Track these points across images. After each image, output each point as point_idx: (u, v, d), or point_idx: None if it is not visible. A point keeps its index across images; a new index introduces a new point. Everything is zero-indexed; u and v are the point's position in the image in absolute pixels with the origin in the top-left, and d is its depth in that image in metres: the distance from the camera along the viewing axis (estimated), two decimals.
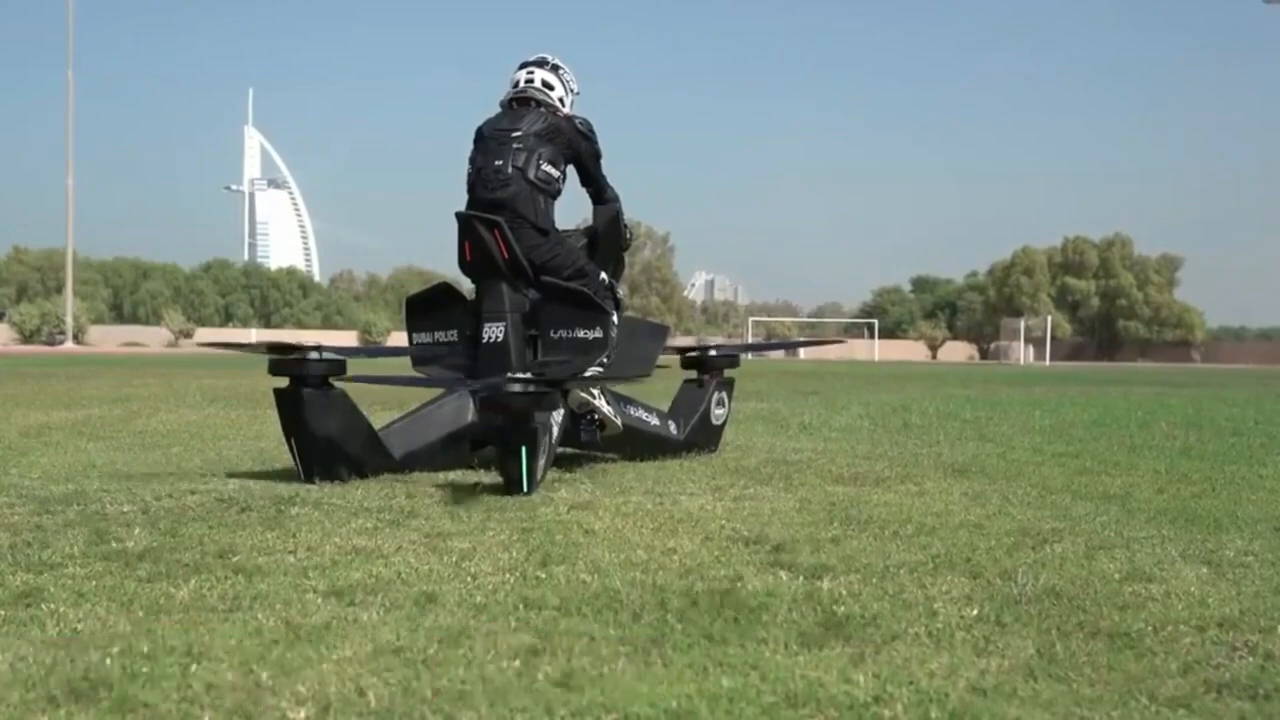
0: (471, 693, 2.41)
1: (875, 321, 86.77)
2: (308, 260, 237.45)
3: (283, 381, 5.89)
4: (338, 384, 5.94)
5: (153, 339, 76.44)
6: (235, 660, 2.60)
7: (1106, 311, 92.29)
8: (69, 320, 65.24)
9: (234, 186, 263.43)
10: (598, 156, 6.60)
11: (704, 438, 7.56)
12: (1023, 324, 74.36)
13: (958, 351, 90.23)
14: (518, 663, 2.61)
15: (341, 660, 2.61)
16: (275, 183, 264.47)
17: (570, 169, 6.48)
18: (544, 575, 3.54)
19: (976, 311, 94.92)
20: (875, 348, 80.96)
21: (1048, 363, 66.71)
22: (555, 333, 6.16)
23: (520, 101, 6.47)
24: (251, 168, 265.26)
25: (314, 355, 5.83)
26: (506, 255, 6.06)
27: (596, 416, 6.48)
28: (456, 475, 5.98)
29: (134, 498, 5.06)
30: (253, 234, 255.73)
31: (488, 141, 6.33)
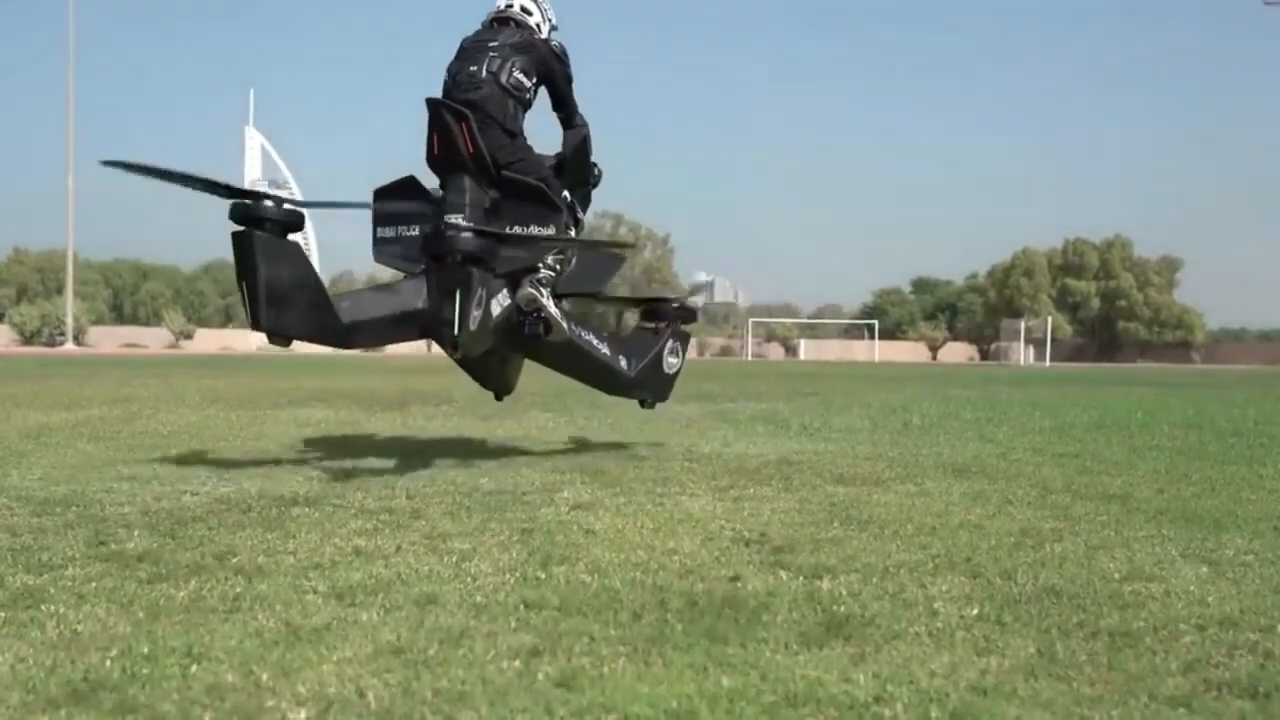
0: (471, 693, 2.41)
1: (875, 323, 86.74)
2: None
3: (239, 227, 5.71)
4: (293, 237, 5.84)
5: (153, 340, 76.42)
6: (235, 661, 2.59)
7: (1107, 313, 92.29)
8: (69, 321, 65.21)
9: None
10: (569, 79, 6.84)
11: (656, 382, 7.62)
12: (1023, 325, 74.36)
13: (958, 353, 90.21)
14: (518, 663, 2.61)
15: (342, 661, 2.61)
16: (275, 183, 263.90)
17: (544, 93, 6.74)
18: (544, 576, 3.54)
19: (977, 313, 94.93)
20: (875, 349, 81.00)
21: (1048, 364, 66.72)
22: (511, 227, 6.33)
23: (500, 21, 6.80)
24: (251, 168, 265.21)
25: (269, 202, 5.76)
26: (472, 149, 6.20)
27: (542, 314, 6.47)
28: (458, 476, 5.98)
29: (134, 499, 5.06)
30: None
31: (466, 50, 6.61)
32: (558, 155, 6.91)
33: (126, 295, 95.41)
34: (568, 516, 4.70)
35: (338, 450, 7.32)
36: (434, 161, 6.39)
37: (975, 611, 3.14)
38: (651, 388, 7.63)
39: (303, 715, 2.28)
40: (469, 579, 3.48)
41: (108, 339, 74.47)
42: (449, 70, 6.59)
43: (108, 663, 2.57)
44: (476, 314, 6.00)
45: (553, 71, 6.72)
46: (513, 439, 8.34)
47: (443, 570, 3.60)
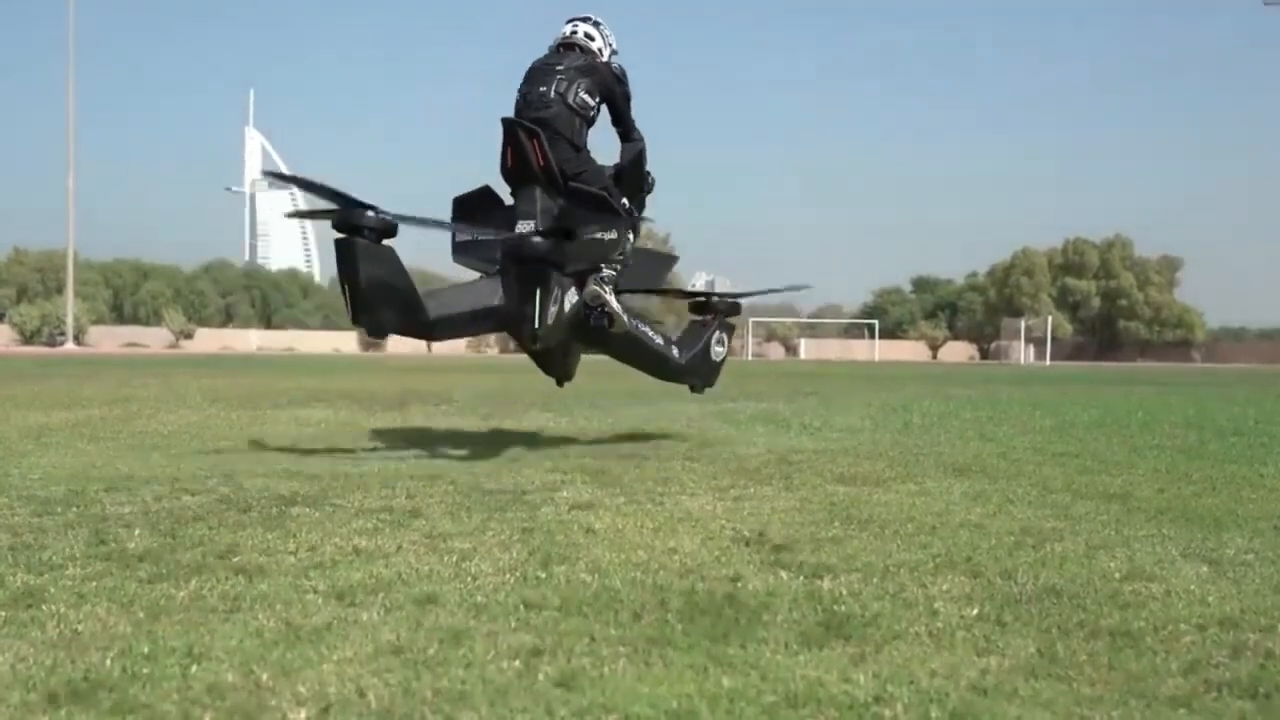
0: (472, 693, 2.41)
1: (875, 322, 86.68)
2: (308, 261, 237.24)
3: (341, 235, 6.47)
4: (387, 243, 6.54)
5: (153, 340, 76.42)
6: (236, 661, 2.60)
7: (1107, 312, 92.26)
8: (69, 321, 65.21)
9: (234, 187, 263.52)
10: (628, 99, 7.55)
11: (705, 369, 8.46)
12: (1023, 324, 74.37)
13: (958, 352, 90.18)
14: (518, 663, 2.61)
15: (342, 661, 2.61)
16: (276, 183, 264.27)
17: (604, 110, 7.45)
18: (544, 575, 3.54)
19: (977, 312, 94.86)
20: (875, 348, 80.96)
21: (1048, 363, 66.73)
22: (579, 233, 6.98)
23: (566, 47, 7.51)
24: (252, 168, 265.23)
25: (370, 212, 6.44)
26: (542, 162, 6.95)
27: (605, 309, 7.27)
28: (458, 476, 5.98)
29: (134, 499, 5.06)
30: (253, 235, 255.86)
31: (536, 72, 7.33)
32: (616, 166, 7.57)
33: (126, 295, 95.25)
34: (568, 516, 4.70)
35: (338, 450, 7.32)
36: (508, 173, 7.15)
37: (975, 611, 3.14)
38: (700, 374, 8.46)
39: (303, 715, 2.28)
40: (469, 579, 3.48)
41: (108, 339, 74.48)
42: (520, 91, 7.30)
43: (108, 662, 2.57)
44: (553, 310, 6.80)
45: (613, 92, 7.43)
46: (513, 439, 8.34)
47: (443, 570, 3.60)
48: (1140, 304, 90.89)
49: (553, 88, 7.16)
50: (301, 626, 2.89)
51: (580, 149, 7.20)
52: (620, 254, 7.34)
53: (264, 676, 2.49)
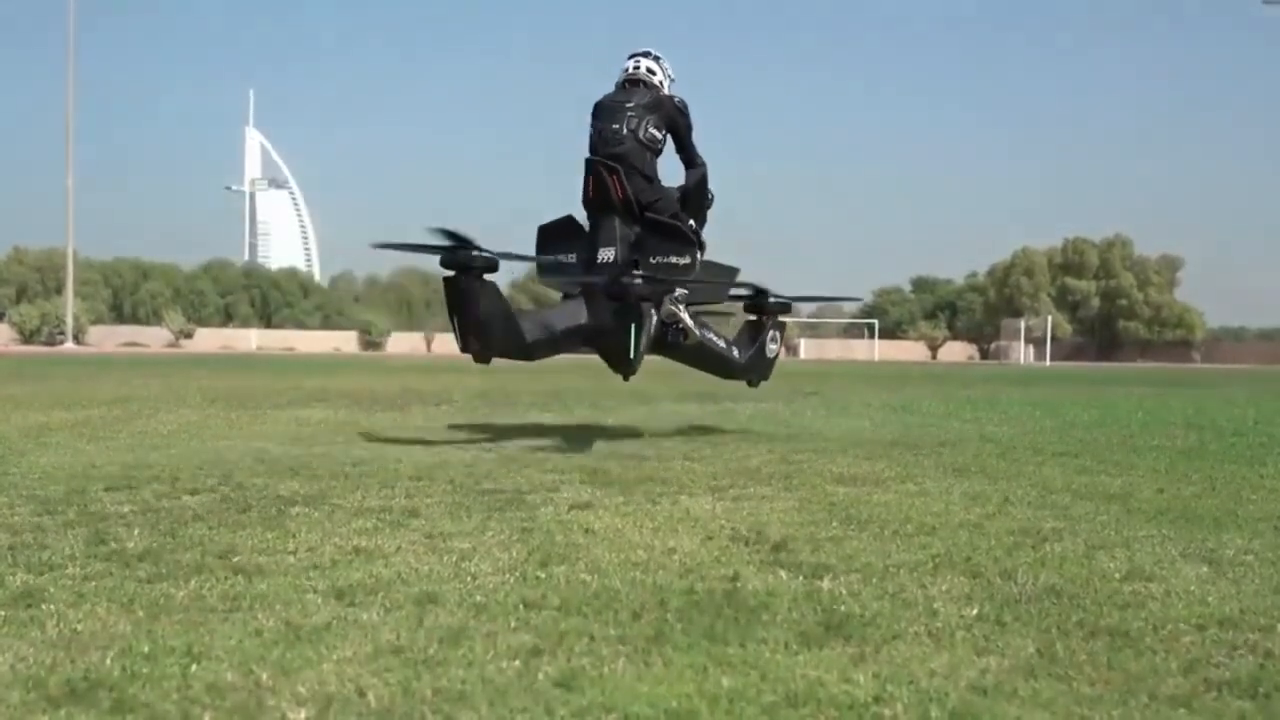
0: (471, 693, 2.41)
1: (875, 322, 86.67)
2: (308, 260, 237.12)
3: (450, 272, 7.23)
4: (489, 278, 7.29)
5: (153, 339, 76.45)
6: (235, 661, 2.60)
7: (1107, 312, 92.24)
8: (69, 320, 65.24)
9: (234, 186, 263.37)
10: (689, 129, 8.24)
11: (761, 365, 9.38)
12: (1023, 324, 74.34)
13: (958, 352, 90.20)
14: (518, 663, 2.61)
15: (341, 660, 2.61)
16: (276, 183, 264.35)
17: (669, 137, 8.12)
18: (544, 575, 3.54)
19: (976, 312, 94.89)
20: (875, 348, 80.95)
21: (1048, 363, 66.70)
22: (654, 258, 7.70)
23: (631, 83, 8.22)
24: (252, 168, 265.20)
25: (475, 252, 7.17)
26: (621, 195, 7.76)
27: (680, 325, 8.16)
28: (457, 476, 5.98)
29: (134, 498, 5.06)
30: (253, 234, 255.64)
31: (607, 110, 8.04)
32: (680, 189, 8.29)
33: (126, 294, 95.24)
34: (567, 516, 4.70)
35: (338, 450, 7.32)
36: (589, 204, 7.97)
37: (975, 611, 3.14)
38: (757, 370, 9.40)
39: (303, 715, 2.28)
40: (469, 579, 3.48)
41: (108, 338, 74.53)
42: (594, 127, 8.03)
43: (108, 662, 2.57)
44: (645, 340, 7.54)
45: (677, 124, 8.14)
46: (512, 439, 8.34)
47: (443, 570, 3.60)
48: (1140, 304, 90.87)
49: (624, 125, 7.88)
50: (301, 626, 2.89)
51: (652, 180, 7.96)
52: (692, 274, 7.99)
53: (264, 676, 2.49)
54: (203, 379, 19.32)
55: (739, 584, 3.45)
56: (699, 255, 8.05)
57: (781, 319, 9.53)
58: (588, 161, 7.91)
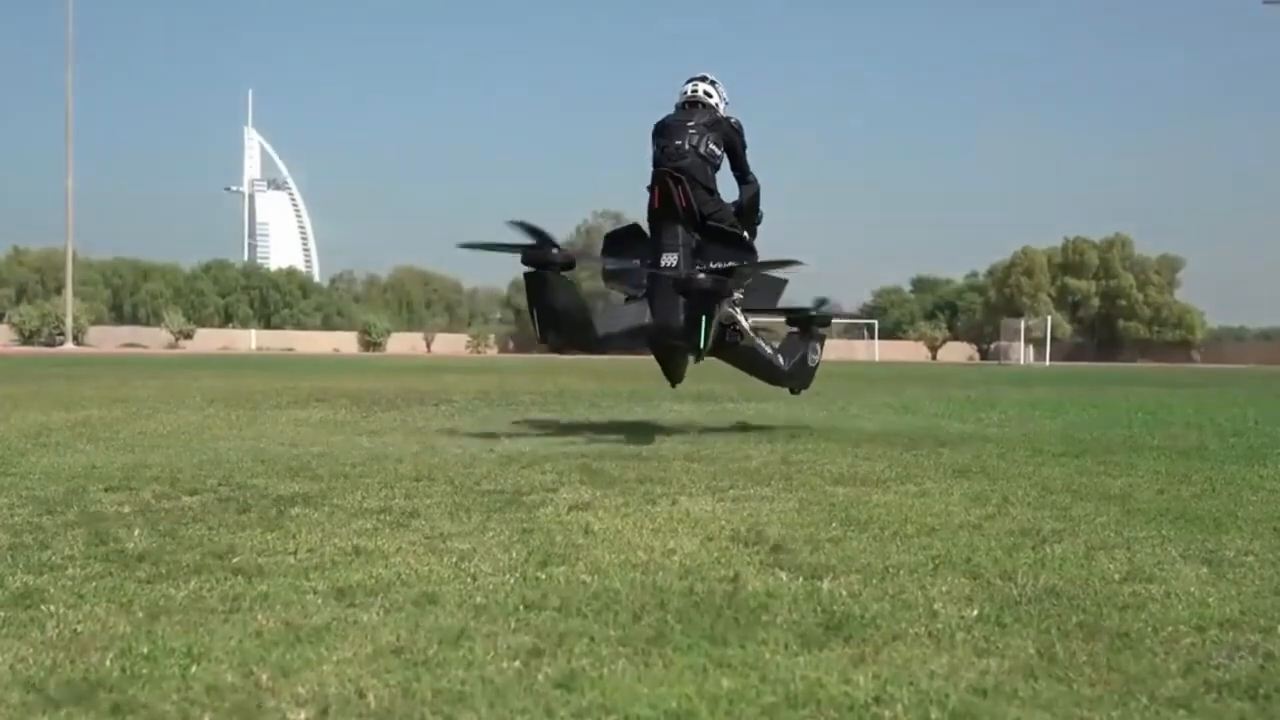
0: (471, 694, 2.41)
1: (875, 322, 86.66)
2: (308, 261, 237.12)
3: (531, 268, 8.10)
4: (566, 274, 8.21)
5: (153, 340, 76.46)
6: (235, 661, 2.59)
7: (1107, 312, 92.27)
8: (69, 321, 65.25)
9: (234, 187, 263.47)
10: (744, 147, 8.97)
11: (803, 374, 9.94)
12: (1023, 324, 74.31)
13: (958, 352, 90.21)
14: (518, 664, 2.61)
15: (341, 661, 2.61)
16: (275, 183, 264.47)
17: (725, 155, 8.82)
18: (544, 576, 3.54)
19: (976, 312, 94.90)
20: (875, 348, 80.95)
21: (1048, 363, 66.69)
22: (714, 263, 8.17)
23: (691, 104, 9.00)
24: (251, 168, 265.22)
25: (554, 251, 8.12)
26: (685, 204, 8.38)
27: (736, 327, 8.83)
28: (457, 476, 5.98)
29: (134, 498, 5.06)
30: (253, 234, 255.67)
31: (670, 128, 8.78)
32: (735, 203, 8.99)
33: (126, 295, 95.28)
34: (567, 517, 4.70)
35: (338, 450, 7.32)
36: (654, 213, 8.61)
37: (975, 612, 3.14)
38: (799, 378, 9.96)
39: (302, 716, 2.28)
40: (469, 579, 3.48)
41: (107, 339, 74.54)
42: (657, 144, 8.75)
43: (107, 663, 2.57)
44: (711, 335, 7.96)
45: (734, 142, 8.88)
46: (512, 439, 8.34)
47: (443, 570, 3.60)
48: (1140, 304, 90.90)
49: (687, 141, 8.61)
50: (301, 627, 2.89)
51: (713, 192, 8.67)
52: (747, 279, 8.73)
53: (263, 677, 2.49)
54: (202, 379, 19.32)
55: (739, 585, 3.45)
56: (754, 261, 8.65)
57: (822, 332, 10.09)
58: (656, 173, 8.54)
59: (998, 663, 2.68)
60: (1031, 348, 73.37)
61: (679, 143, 8.60)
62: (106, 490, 5.31)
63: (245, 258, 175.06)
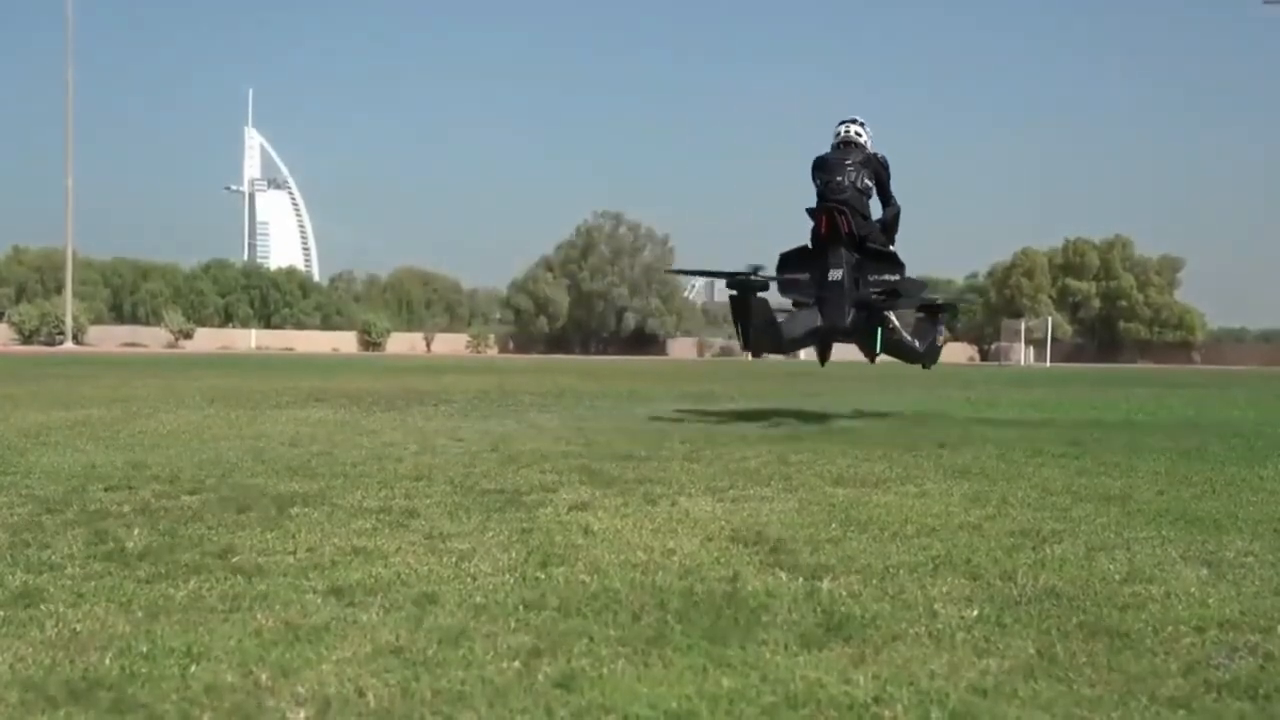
0: (471, 694, 2.40)
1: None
2: (307, 260, 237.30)
3: (735, 291, 10.32)
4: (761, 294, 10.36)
5: (152, 339, 76.44)
6: (235, 661, 2.60)
7: (1107, 313, 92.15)
8: (68, 320, 65.26)
9: (234, 187, 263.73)
10: (889, 179, 10.82)
11: (932, 353, 11.69)
12: (1023, 325, 74.28)
13: (957, 353, 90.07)
14: (517, 663, 2.61)
15: (341, 661, 2.61)
16: (275, 183, 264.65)
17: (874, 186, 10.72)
18: (544, 576, 3.54)
19: (976, 312, 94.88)
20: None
21: (1048, 364, 66.68)
22: (872, 276, 10.42)
23: (846, 144, 10.82)
24: (251, 168, 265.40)
25: (755, 276, 10.42)
26: (847, 231, 10.26)
27: (891, 325, 10.62)
28: (457, 476, 5.98)
29: (134, 498, 5.06)
30: (253, 234, 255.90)
31: (830, 165, 10.67)
32: (879, 220, 10.79)
33: (126, 294, 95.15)
34: (567, 517, 4.70)
35: (337, 450, 7.32)
36: (821, 238, 10.41)
37: (975, 613, 3.14)
38: (931, 356, 11.67)
39: (302, 715, 2.28)
40: (469, 579, 3.48)
41: (107, 338, 74.52)
42: (820, 179, 10.67)
43: (107, 662, 2.57)
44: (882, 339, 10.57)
45: (881, 176, 10.74)
46: (511, 439, 8.34)
47: (442, 570, 3.60)
48: (1140, 305, 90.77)
49: (845, 178, 10.50)
50: (300, 626, 2.89)
51: (867, 218, 10.53)
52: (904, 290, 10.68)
53: (263, 676, 2.49)
54: (202, 379, 19.31)
55: (739, 585, 3.45)
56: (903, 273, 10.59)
57: (944, 316, 11.95)
58: (824, 205, 10.42)
59: (998, 663, 2.68)
60: (1032, 349, 73.35)
61: (839, 179, 10.50)
62: (106, 489, 5.31)
63: (245, 257, 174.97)
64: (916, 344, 11.21)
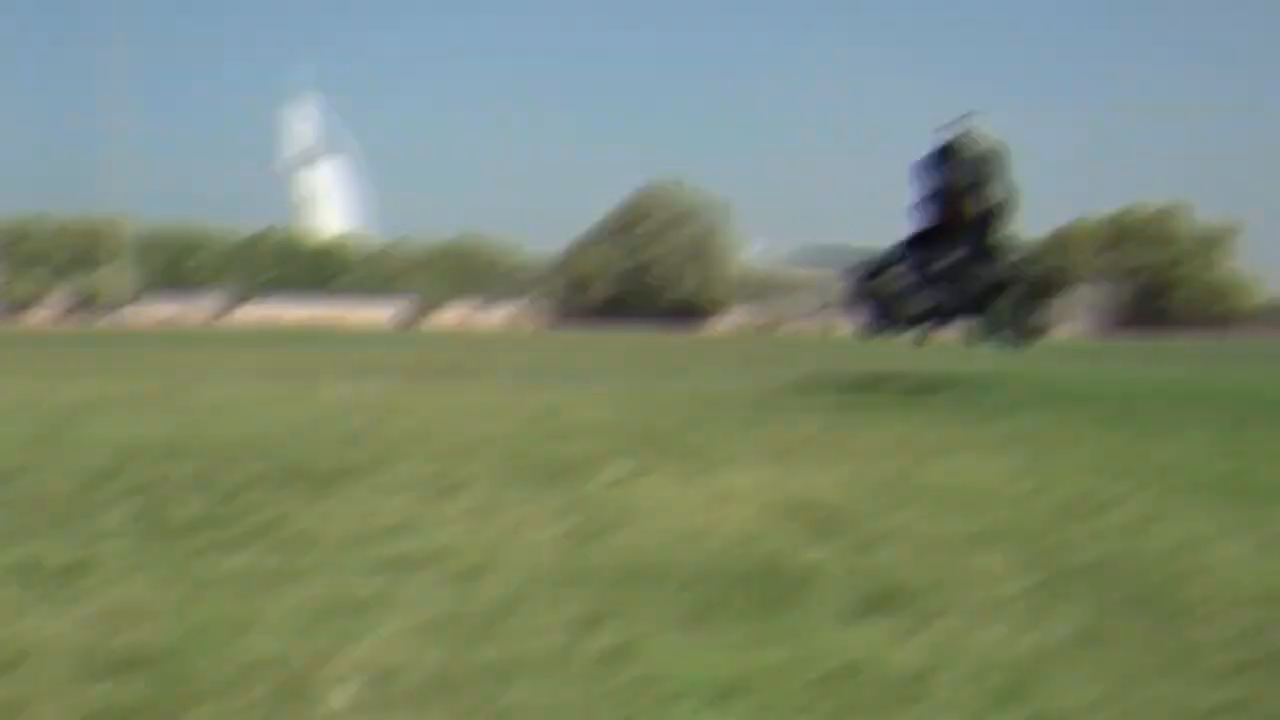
0: (521, 665, 2.40)
1: None
2: (361, 229, 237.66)
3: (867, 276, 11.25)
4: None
5: (203, 310, 76.97)
6: (285, 632, 2.60)
7: (1159, 283, 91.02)
8: (119, 292, 65.82)
9: (286, 154, 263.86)
10: (994, 171, 11.41)
11: (1033, 334, 12.25)
12: (1074, 297, 73.54)
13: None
14: (567, 635, 2.60)
15: (391, 633, 2.61)
16: (329, 150, 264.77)
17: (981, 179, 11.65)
18: (593, 547, 3.53)
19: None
20: None
21: (1096, 336, 66.03)
22: (987, 260, 11.32)
23: (962, 135, 11.52)
24: (305, 134, 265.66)
25: (880, 261, 11.43)
26: (960, 221, 11.07)
27: (1009, 306, 11.51)
28: (507, 447, 5.98)
29: (183, 469, 5.08)
30: (305, 203, 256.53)
31: (940, 161, 11.33)
32: (987, 210, 11.46)
33: (177, 264, 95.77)
34: (617, 488, 4.69)
35: (387, 422, 7.34)
36: (945, 226, 11.19)
37: (1027, 582, 3.11)
38: (1032, 337, 12.22)
39: (352, 686, 2.29)
40: (518, 550, 3.47)
41: (158, 309, 75.06)
42: (932, 176, 11.32)
43: (156, 633, 2.58)
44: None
45: (987, 170, 11.34)
46: (560, 411, 8.32)
47: (492, 541, 3.60)
48: (1192, 275, 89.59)
49: (956, 172, 11.27)
50: (350, 598, 2.89)
51: (975, 209, 11.22)
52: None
53: (313, 647, 2.49)
54: (252, 350, 19.45)
55: (788, 556, 3.43)
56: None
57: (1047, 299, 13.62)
58: (936, 199, 11.27)
59: (1049, 634, 2.65)
60: (1080, 321, 72.66)
61: (951, 173, 11.29)
62: (157, 460, 5.34)
63: (297, 225, 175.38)
64: (1025, 324, 11.92)
